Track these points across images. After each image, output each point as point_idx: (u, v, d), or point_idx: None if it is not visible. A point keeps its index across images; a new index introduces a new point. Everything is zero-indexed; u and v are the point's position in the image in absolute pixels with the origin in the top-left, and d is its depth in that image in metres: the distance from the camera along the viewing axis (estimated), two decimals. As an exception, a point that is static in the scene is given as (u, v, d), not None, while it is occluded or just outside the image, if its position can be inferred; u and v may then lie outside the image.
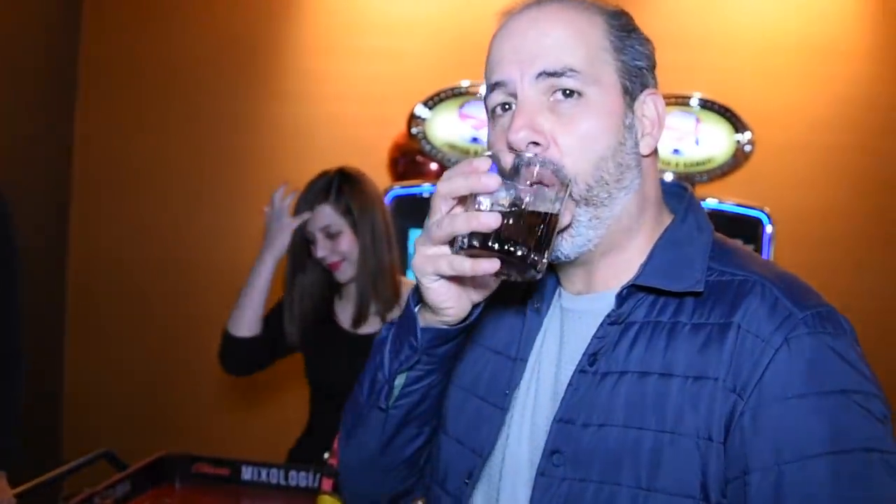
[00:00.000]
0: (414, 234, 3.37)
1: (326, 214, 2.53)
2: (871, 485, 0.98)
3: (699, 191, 3.60)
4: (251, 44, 4.34)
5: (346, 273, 2.53)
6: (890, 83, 4.27)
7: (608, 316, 1.12)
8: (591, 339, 1.13)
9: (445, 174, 1.05)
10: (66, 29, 4.28)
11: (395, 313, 2.49)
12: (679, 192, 1.25)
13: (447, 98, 3.60)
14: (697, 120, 3.59)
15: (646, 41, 1.18)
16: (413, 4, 4.32)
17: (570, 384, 1.12)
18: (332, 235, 2.52)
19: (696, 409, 1.03)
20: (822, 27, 4.28)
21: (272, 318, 2.67)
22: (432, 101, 3.59)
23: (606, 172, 1.10)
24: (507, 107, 1.14)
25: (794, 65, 4.26)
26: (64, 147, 4.31)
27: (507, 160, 1.08)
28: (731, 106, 3.62)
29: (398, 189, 3.53)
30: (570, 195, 1.07)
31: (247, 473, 2.30)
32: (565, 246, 1.11)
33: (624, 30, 1.15)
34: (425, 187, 3.52)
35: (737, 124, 3.60)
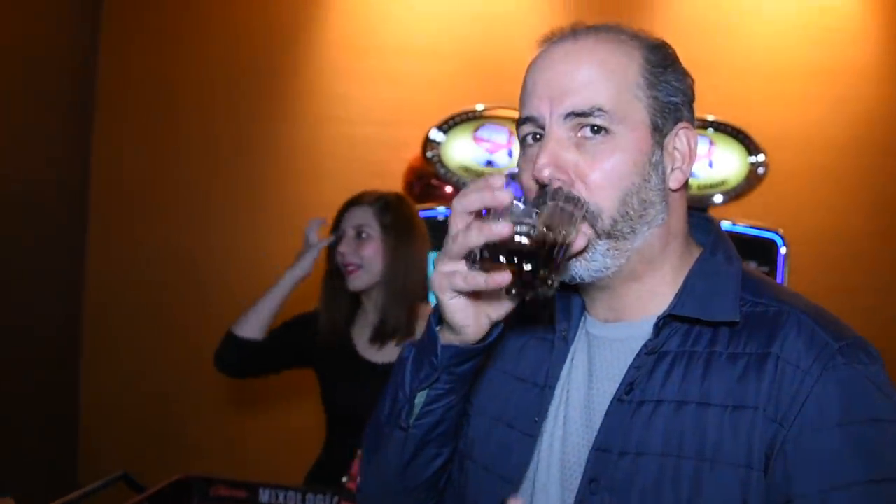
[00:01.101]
0: (431, 258, 3.39)
1: (365, 215, 2.53)
2: None
3: (712, 213, 3.61)
4: (268, 67, 4.37)
5: (359, 280, 2.52)
6: (903, 104, 4.28)
7: (645, 346, 1.14)
8: (629, 369, 1.14)
9: (462, 191, 1.07)
10: (84, 51, 4.33)
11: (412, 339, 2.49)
12: (705, 225, 1.27)
13: (462, 122, 3.63)
14: (711, 143, 3.61)
15: (684, 75, 1.19)
16: (429, 29, 4.36)
17: (607, 413, 1.14)
18: (360, 238, 2.51)
19: (736, 438, 1.05)
20: (835, 49, 4.29)
21: (288, 329, 2.70)
22: (447, 125, 3.62)
23: (631, 208, 1.12)
24: (537, 136, 1.16)
25: (806, 87, 4.27)
26: (81, 169, 4.35)
27: (533, 191, 1.13)
28: (744, 128, 3.63)
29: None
30: (587, 221, 1.10)
31: (264, 496, 2.30)
32: (580, 268, 1.13)
33: (660, 65, 1.16)
34: (440, 210, 3.54)
35: (750, 147, 3.62)
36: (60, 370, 4.26)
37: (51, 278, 4.12)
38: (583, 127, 1.12)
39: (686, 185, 1.21)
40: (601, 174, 1.11)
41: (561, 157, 1.11)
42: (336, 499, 2.14)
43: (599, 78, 1.12)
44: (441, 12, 4.36)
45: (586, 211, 1.09)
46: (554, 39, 1.19)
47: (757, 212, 3.73)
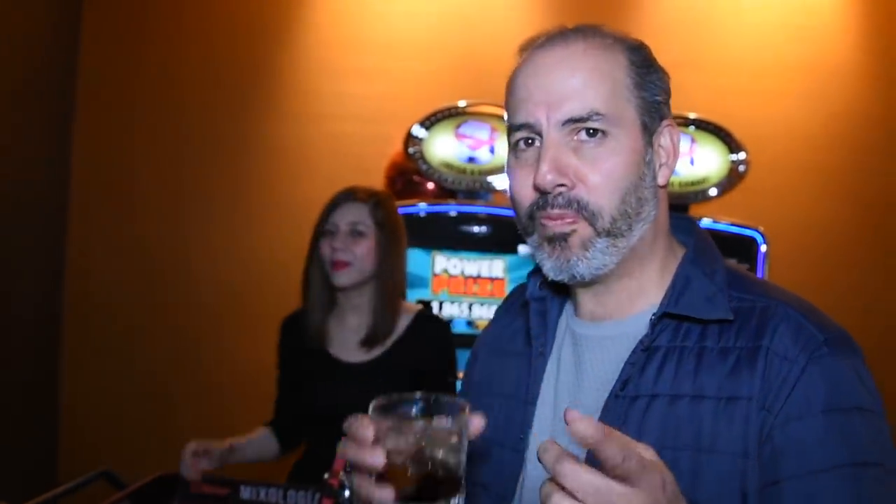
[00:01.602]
0: (410, 253, 3.38)
1: (360, 212, 2.48)
2: (889, 497, 1.05)
3: (694, 210, 3.63)
4: (251, 64, 4.36)
5: (348, 277, 2.46)
6: (881, 101, 4.31)
7: (641, 342, 1.16)
8: (625, 365, 1.16)
9: (346, 427, 1.01)
10: (64, 48, 4.30)
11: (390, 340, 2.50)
12: (687, 226, 1.30)
13: (444, 118, 3.62)
14: (692, 140, 3.62)
15: (663, 73, 1.22)
16: (411, 26, 4.36)
17: (604, 409, 1.16)
18: (354, 235, 2.46)
19: (732, 429, 1.08)
20: (815, 46, 4.32)
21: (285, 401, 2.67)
22: (429, 122, 3.62)
23: (630, 206, 1.16)
24: (529, 141, 1.19)
25: (787, 84, 4.30)
26: (62, 166, 4.32)
27: (531, 197, 1.18)
28: (725, 126, 3.65)
29: (395, 208, 3.56)
30: (587, 221, 1.15)
31: (245, 493, 2.29)
32: (581, 267, 1.16)
33: (643, 65, 1.19)
34: (421, 206, 3.54)
35: (731, 144, 3.63)
36: (41, 368, 4.23)
37: (31, 276, 4.09)
38: (579, 131, 1.15)
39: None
40: (601, 176, 1.14)
41: (562, 162, 1.14)
42: (318, 496, 2.14)
43: (594, 82, 1.15)
44: (424, 10, 4.36)
45: (591, 213, 1.13)
46: (540, 44, 1.20)
47: (737, 209, 3.75)
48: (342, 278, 2.46)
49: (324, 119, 4.32)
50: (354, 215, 2.47)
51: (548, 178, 1.13)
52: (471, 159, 3.61)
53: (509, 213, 4.01)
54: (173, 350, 4.29)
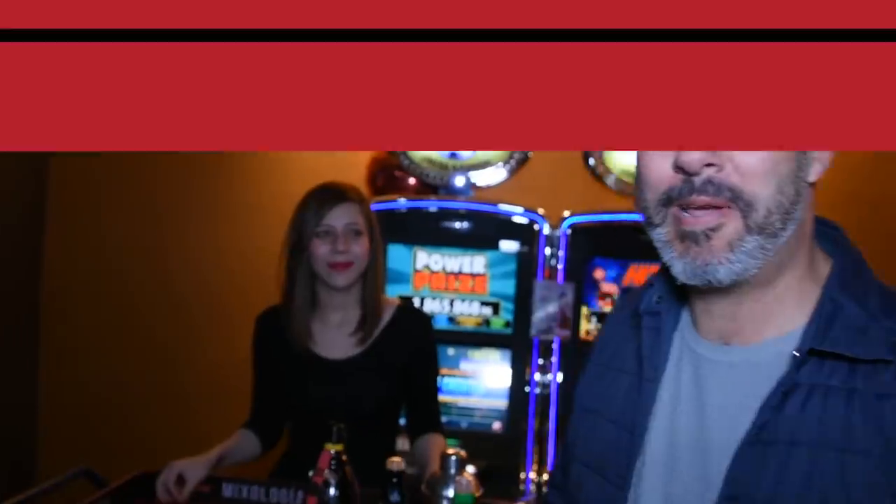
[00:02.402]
0: (391, 249, 3.39)
1: (354, 211, 2.45)
2: None
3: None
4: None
5: (348, 278, 2.43)
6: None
7: (781, 383, 0.97)
8: (762, 408, 0.98)
9: None
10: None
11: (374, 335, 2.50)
12: (831, 233, 1.12)
13: (425, 114, 3.61)
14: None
15: None
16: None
17: (737, 456, 0.99)
18: (353, 235, 2.43)
19: (893, 492, 0.90)
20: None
21: (265, 399, 2.62)
22: (411, 117, 3.61)
23: (786, 198, 0.98)
24: None
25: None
26: (38, 163, 4.28)
27: (668, 181, 1.00)
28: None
29: (375, 204, 3.53)
30: (741, 212, 0.98)
31: (227, 490, 2.28)
32: (722, 272, 0.98)
33: None
34: (402, 202, 3.53)
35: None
36: (18, 365, 4.20)
37: (7, 272, 4.06)
38: None
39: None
40: (756, 157, 0.95)
41: None
42: (300, 493, 2.13)
43: None
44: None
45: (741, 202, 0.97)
46: None
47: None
48: (341, 279, 2.43)
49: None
50: (350, 216, 2.44)
51: (695, 155, 0.95)
52: (452, 155, 3.61)
53: (490, 209, 4.02)
54: (152, 347, 4.27)
